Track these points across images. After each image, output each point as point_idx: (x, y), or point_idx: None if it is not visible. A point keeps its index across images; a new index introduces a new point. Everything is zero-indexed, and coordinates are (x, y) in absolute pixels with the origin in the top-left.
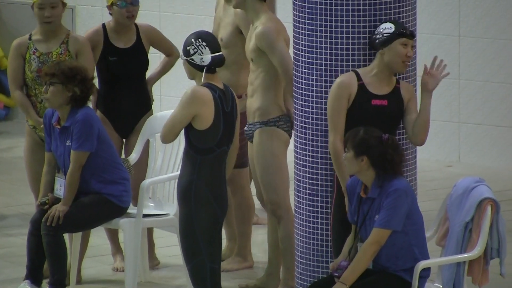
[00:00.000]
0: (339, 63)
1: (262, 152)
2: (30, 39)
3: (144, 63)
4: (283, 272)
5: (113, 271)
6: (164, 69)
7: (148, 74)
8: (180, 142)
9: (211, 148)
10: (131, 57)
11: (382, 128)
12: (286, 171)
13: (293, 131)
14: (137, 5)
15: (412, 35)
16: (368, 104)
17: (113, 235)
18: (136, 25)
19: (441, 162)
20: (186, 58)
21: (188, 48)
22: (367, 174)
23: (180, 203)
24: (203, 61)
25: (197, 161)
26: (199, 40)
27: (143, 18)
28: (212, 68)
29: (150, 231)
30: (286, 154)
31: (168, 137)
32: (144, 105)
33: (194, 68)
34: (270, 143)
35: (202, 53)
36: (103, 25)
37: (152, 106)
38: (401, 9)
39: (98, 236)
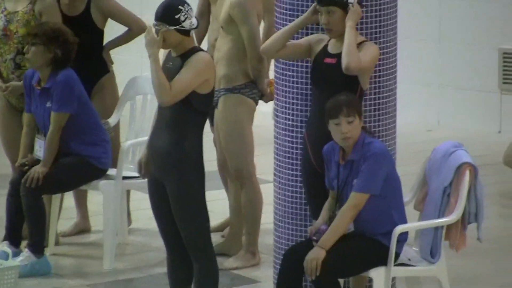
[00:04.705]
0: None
1: (226, 119)
2: None
3: (90, 34)
4: (245, 237)
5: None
6: (123, 41)
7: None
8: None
9: (208, 110)
10: (74, 26)
11: (329, 87)
12: (250, 138)
13: (274, 94)
14: None
15: (321, 1)
16: (321, 62)
17: (80, 200)
18: None
19: (421, 126)
20: (176, 26)
21: (177, 16)
22: (357, 135)
23: (184, 167)
24: (193, 25)
25: (196, 123)
26: (186, 4)
27: None
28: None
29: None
30: (252, 121)
31: (175, 100)
32: (96, 71)
33: (182, 35)
34: (234, 109)
35: (191, 16)
36: None
37: (112, 68)
38: None
39: None
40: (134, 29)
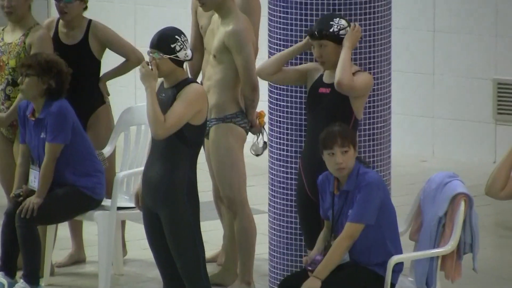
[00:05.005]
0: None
1: (218, 148)
2: (3, 29)
3: (87, 64)
4: (239, 267)
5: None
6: (119, 72)
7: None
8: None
9: (201, 141)
10: (71, 55)
11: (323, 116)
12: (242, 167)
13: (267, 125)
14: (69, 2)
15: (312, 35)
16: (316, 92)
17: (75, 230)
18: (89, 23)
19: (415, 157)
20: (171, 56)
21: (173, 45)
22: (351, 166)
23: (175, 197)
24: (187, 56)
25: (189, 155)
26: (183, 35)
27: (117, 11)
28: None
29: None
30: (243, 150)
31: (169, 133)
32: (92, 101)
33: (175, 65)
34: (226, 139)
35: (187, 47)
36: (59, 18)
37: (109, 100)
38: (376, 3)
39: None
40: (131, 59)
